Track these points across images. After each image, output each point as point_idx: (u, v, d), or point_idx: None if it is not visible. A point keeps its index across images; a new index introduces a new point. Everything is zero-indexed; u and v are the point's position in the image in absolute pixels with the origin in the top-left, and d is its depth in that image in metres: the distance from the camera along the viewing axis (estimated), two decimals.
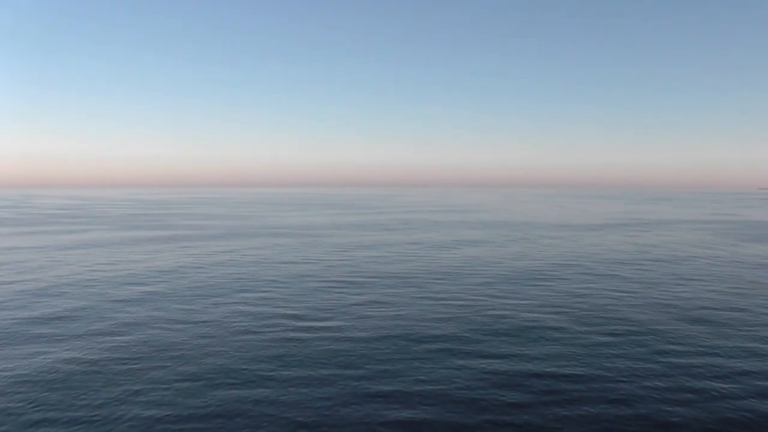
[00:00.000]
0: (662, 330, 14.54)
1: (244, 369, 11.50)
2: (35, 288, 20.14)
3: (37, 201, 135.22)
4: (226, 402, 9.80)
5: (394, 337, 13.81)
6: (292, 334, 14.14)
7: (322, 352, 12.68)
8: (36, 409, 9.46)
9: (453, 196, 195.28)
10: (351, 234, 43.37)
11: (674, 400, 9.83)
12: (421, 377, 11.00)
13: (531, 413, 9.34)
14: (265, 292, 19.72)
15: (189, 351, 12.68)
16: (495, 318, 15.79)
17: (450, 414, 9.29)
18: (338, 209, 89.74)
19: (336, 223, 55.59)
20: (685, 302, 18.05)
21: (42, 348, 12.93)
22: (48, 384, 10.61)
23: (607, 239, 39.53)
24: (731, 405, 9.62)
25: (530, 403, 9.74)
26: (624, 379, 10.89)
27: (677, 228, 51.23)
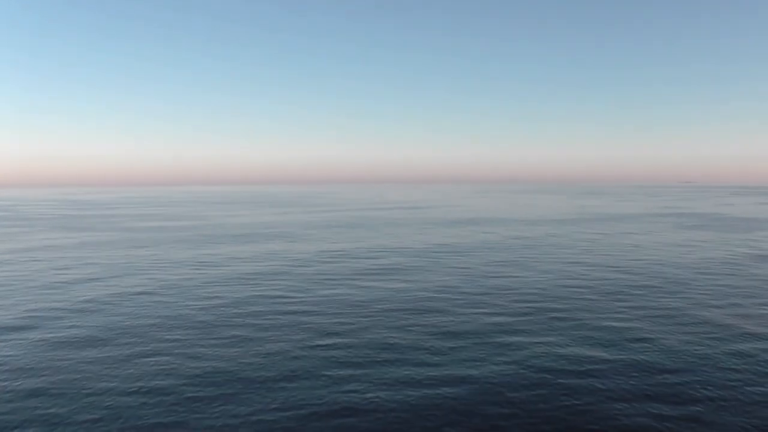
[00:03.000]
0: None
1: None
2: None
3: None
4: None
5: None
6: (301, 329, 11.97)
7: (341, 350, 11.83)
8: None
9: (388, 193, 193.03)
10: (330, 234, 39.73)
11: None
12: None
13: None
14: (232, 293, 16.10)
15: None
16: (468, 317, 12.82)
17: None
18: (281, 207, 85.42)
19: (308, 222, 51.70)
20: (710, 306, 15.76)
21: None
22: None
23: (583, 236, 37.86)
24: None
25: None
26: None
27: (640, 221, 50.66)
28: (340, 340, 13.11)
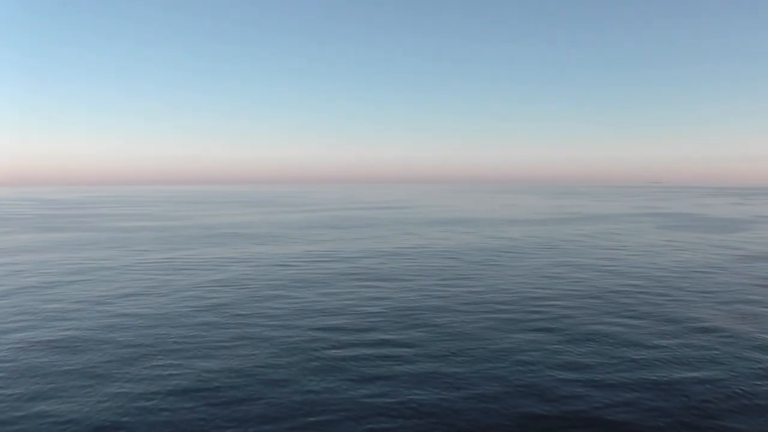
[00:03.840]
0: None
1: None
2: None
3: None
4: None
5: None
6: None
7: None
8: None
9: (363, 193, 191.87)
10: (321, 235, 38.39)
11: None
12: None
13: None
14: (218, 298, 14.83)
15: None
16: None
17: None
18: (263, 207, 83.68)
19: (302, 222, 50.20)
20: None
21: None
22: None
23: (571, 234, 37.25)
24: None
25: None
26: None
27: (625, 221, 50.39)
28: (345, 340, 12.41)
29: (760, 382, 9.89)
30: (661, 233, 38.90)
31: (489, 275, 21.35)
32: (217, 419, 8.39)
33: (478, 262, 24.67)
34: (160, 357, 11.42)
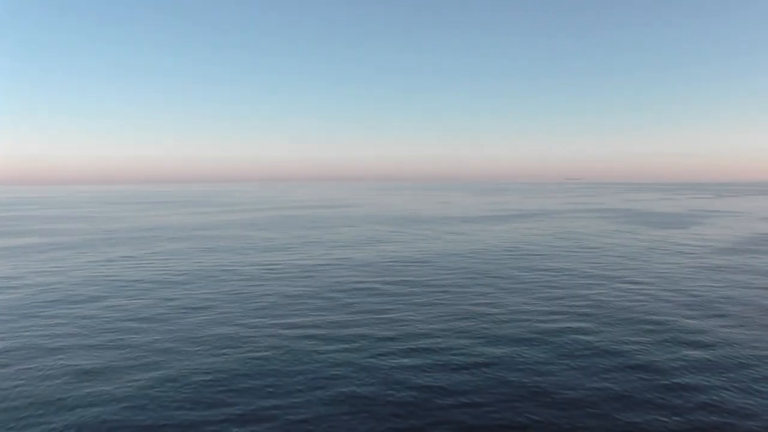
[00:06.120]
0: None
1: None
2: None
3: None
4: None
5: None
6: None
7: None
8: None
9: (291, 191, 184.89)
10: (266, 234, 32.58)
11: None
12: None
13: None
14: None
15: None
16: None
17: None
18: (191, 207, 76.21)
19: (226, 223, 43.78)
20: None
21: None
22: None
23: (517, 231, 33.68)
24: None
25: None
26: None
27: (570, 218, 47.87)
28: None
29: None
30: (614, 229, 36.08)
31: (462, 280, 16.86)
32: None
33: (464, 266, 20.15)
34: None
